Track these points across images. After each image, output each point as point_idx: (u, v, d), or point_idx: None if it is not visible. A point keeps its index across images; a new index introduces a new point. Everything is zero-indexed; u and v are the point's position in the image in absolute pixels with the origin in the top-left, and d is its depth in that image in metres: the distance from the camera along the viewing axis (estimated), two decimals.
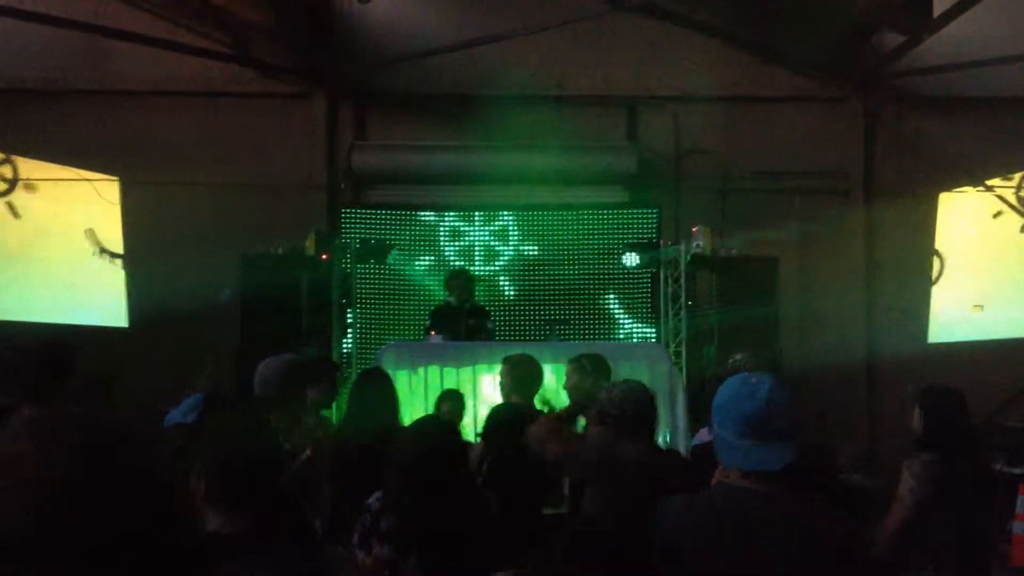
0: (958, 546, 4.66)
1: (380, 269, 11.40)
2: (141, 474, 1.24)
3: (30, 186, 10.97)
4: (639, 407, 4.48)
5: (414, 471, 3.69)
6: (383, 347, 9.43)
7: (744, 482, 2.72)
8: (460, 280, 9.83)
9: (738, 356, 6.71)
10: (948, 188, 11.76)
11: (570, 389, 6.28)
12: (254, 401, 4.93)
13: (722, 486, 2.81)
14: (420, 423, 4.49)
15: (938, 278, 11.79)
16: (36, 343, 5.12)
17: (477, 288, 10.57)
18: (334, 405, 6.80)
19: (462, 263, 11.37)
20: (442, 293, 10.18)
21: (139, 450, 1.27)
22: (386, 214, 11.76)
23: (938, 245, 11.81)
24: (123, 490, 1.19)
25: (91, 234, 11.02)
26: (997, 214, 11.67)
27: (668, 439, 8.44)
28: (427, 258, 11.66)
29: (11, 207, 10.96)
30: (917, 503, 4.58)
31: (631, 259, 10.81)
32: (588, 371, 6.20)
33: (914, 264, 11.73)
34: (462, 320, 9.12)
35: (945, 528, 4.63)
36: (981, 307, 11.62)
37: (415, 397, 8.01)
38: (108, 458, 1.22)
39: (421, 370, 8.35)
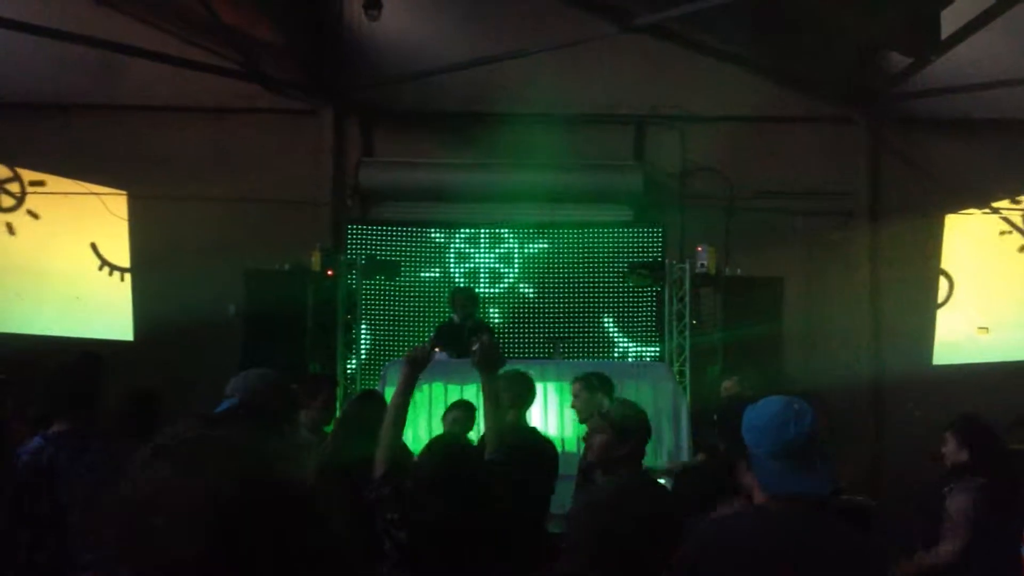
0: (1004, 571, 4.65)
1: (385, 286, 11.41)
2: (281, 488, 1.27)
3: (38, 200, 11.01)
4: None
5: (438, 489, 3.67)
6: (387, 364, 9.43)
7: (776, 505, 2.74)
8: (463, 298, 9.84)
9: (728, 383, 6.79)
10: (954, 210, 11.75)
11: (579, 407, 6.28)
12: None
13: (759, 509, 2.80)
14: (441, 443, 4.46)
15: (947, 299, 11.76)
16: (72, 359, 5.16)
17: (482, 305, 10.57)
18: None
19: (467, 281, 11.39)
20: (447, 310, 10.19)
21: (274, 466, 1.30)
22: (392, 231, 11.78)
23: (944, 266, 11.79)
24: (268, 506, 1.23)
25: (94, 248, 11.04)
26: (1003, 232, 11.66)
27: (669, 458, 8.43)
28: (433, 275, 11.68)
29: (19, 222, 11.00)
30: (975, 527, 4.60)
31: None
32: (596, 388, 6.21)
33: (919, 285, 11.71)
34: (465, 337, 9.12)
35: (992, 554, 4.64)
36: (986, 329, 11.60)
37: (419, 414, 8.00)
38: (251, 477, 1.26)
39: (426, 387, 8.34)
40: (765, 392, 3.15)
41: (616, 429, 4.54)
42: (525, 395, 5.94)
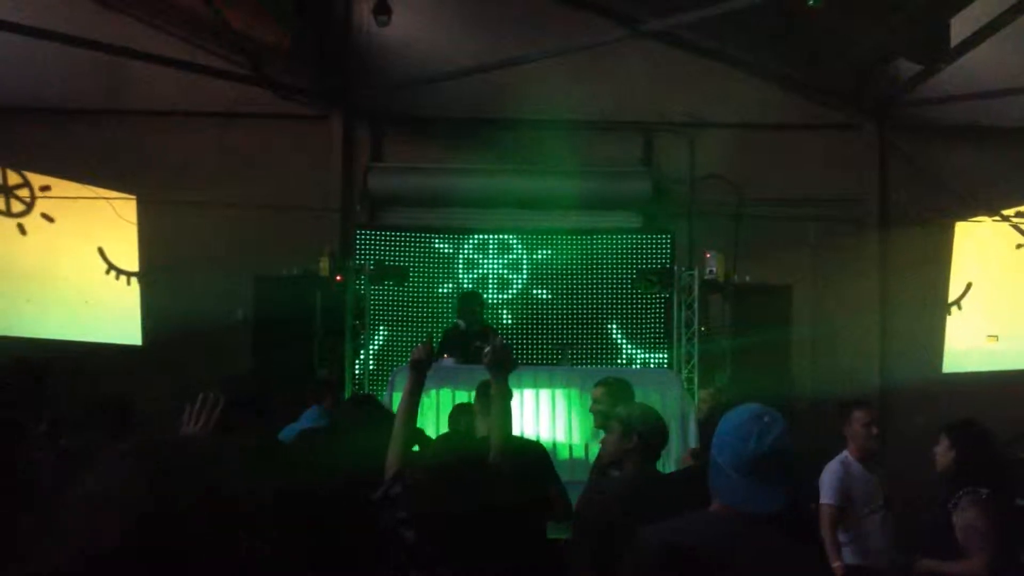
0: None
1: (394, 291, 11.42)
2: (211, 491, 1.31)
3: (47, 205, 11.04)
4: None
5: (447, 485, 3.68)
6: (395, 370, 9.44)
7: (726, 514, 2.72)
8: (470, 303, 9.85)
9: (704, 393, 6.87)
10: (964, 217, 11.73)
11: (598, 412, 6.27)
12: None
13: (708, 515, 2.79)
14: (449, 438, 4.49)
15: (960, 299, 11.69)
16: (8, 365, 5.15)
17: (490, 311, 10.58)
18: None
19: (475, 286, 11.39)
20: (454, 316, 10.20)
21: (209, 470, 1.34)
22: (401, 236, 11.79)
23: (955, 274, 11.76)
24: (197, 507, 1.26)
25: (101, 253, 11.07)
26: (1019, 246, 11.62)
27: (677, 466, 8.40)
28: (441, 280, 11.68)
29: (30, 226, 11.03)
30: (994, 537, 4.59)
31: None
32: (619, 395, 6.19)
33: (928, 293, 11.68)
34: (471, 343, 9.11)
35: (1003, 564, 4.63)
36: (996, 337, 11.57)
37: (427, 420, 7.99)
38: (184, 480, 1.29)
39: (433, 392, 8.34)
40: (775, 400, 3.12)
41: (623, 424, 4.56)
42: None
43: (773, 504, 2.67)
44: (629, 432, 4.54)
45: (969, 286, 11.71)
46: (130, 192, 11.28)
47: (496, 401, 4.49)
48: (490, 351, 4.47)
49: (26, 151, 10.90)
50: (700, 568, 2.61)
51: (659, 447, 4.64)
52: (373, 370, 11.11)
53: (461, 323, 9.68)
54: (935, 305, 11.69)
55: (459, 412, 7.05)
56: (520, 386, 8.83)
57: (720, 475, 2.72)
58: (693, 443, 8.65)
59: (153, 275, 11.22)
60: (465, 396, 8.27)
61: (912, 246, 11.65)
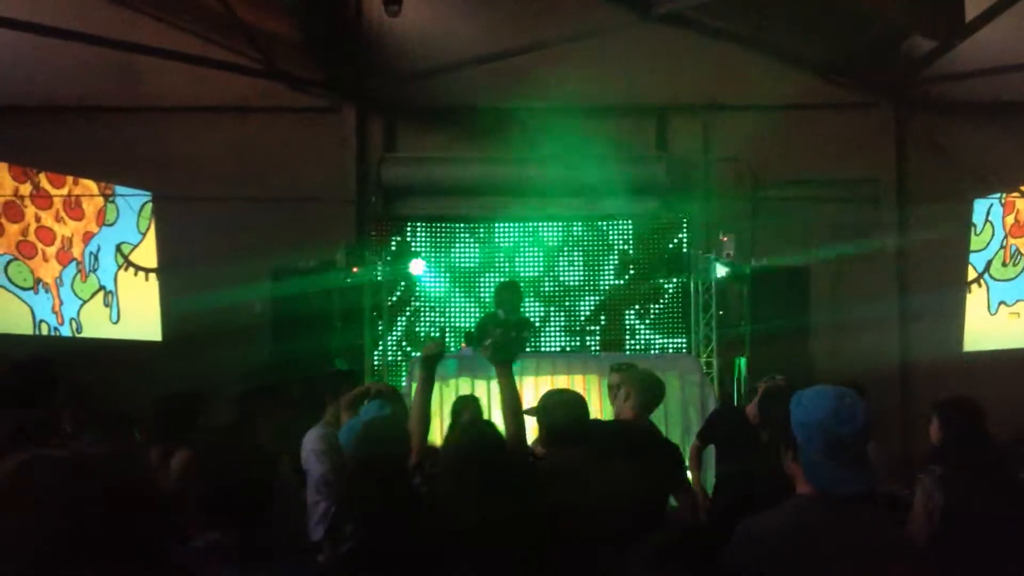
0: (980, 564, 4.54)
1: (410, 282, 11.44)
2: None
3: (65, 202, 11.07)
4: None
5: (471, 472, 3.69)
6: (414, 359, 9.46)
7: (822, 499, 2.76)
8: (509, 292, 9.85)
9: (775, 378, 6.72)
10: (982, 194, 11.64)
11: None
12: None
13: (805, 501, 2.80)
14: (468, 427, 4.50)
15: (980, 276, 11.60)
16: (19, 361, 5.13)
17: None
18: None
19: (489, 274, 11.40)
20: (470, 303, 10.20)
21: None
22: (416, 226, 11.81)
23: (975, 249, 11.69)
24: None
25: (119, 249, 11.10)
26: None
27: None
28: (457, 270, 11.69)
29: (45, 221, 11.06)
30: (931, 519, 4.49)
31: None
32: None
33: (947, 271, 11.61)
34: (509, 330, 9.07)
35: (965, 546, 4.51)
36: (1018, 314, 11.49)
37: (445, 408, 8.00)
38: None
39: (452, 382, 8.36)
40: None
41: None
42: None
43: (864, 484, 2.74)
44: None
45: (989, 263, 11.62)
46: (145, 188, 11.30)
47: (502, 392, 4.48)
48: (490, 344, 4.48)
49: (41, 149, 10.91)
50: (798, 555, 2.65)
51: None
52: (392, 359, 11.14)
53: (500, 312, 9.67)
54: (954, 283, 11.61)
55: (462, 403, 7.08)
56: (538, 373, 8.86)
57: (811, 462, 2.74)
58: None
59: (171, 271, 11.25)
60: (484, 385, 8.30)
61: (930, 224, 11.58)
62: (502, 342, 4.51)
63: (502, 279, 11.22)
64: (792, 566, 2.64)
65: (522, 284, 11.57)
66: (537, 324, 11.44)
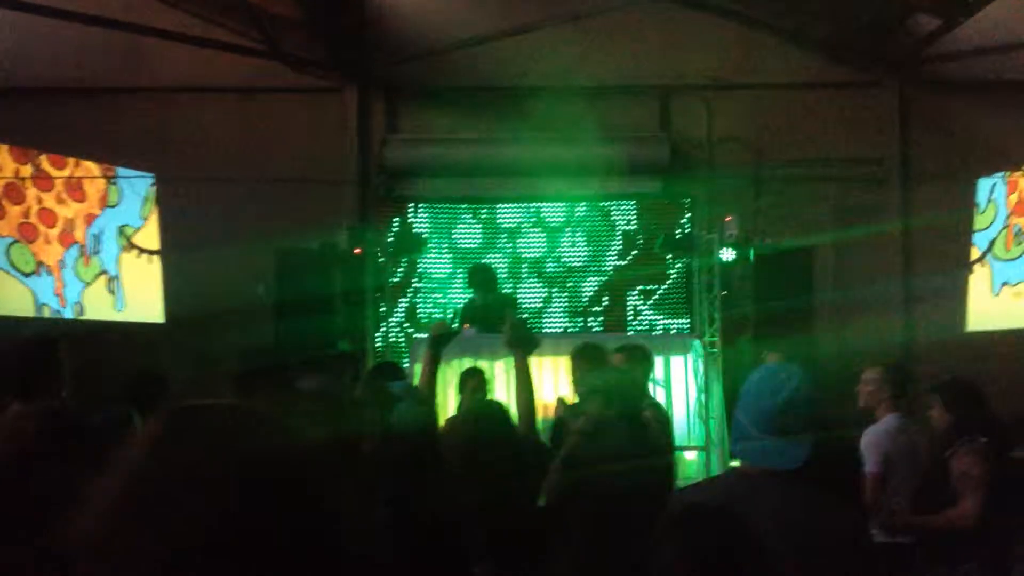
0: (1000, 536, 4.59)
1: (413, 263, 11.44)
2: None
3: (67, 184, 11.06)
4: None
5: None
6: (416, 340, 9.46)
7: (752, 472, 2.75)
8: (481, 275, 9.86)
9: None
10: (986, 173, 11.60)
11: None
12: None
13: (737, 473, 2.80)
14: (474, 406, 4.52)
15: (984, 256, 11.56)
16: (24, 339, 5.12)
17: (510, 280, 10.58)
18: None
19: (492, 255, 11.39)
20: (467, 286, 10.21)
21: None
22: (419, 207, 11.79)
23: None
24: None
25: (121, 231, 11.09)
26: None
27: (703, 431, 8.41)
28: (459, 250, 11.68)
29: (47, 203, 11.05)
30: (987, 486, 4.54)
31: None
32: (639, 361, 6.14)
33: (951, 251, 11.58)
34: (491, 312, 9.12)
35: (1003, 515, 4.58)
36: (1021, 294, 11.46)
37: (448, 388, 8.01)
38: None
39: (455, 362, 8.35)
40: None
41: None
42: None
43: (794, 460, 2.68)
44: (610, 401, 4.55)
45: (992, 243, 11.59)
46: (148, 170, 11.28)
47: (518, 376, 4.51)
48: (509, 328, 4.50)
49: (43, 131, 10.89)
50: (726, 527, 2.58)
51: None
52: (394, 341, 11.14)
53: (476, 295, 9.69)
54: (958, 263, 11.59)
55: (468, 376, 7.14)
56: (541, 354, 8.85)
57: (742, 434, 2.74)
58: (717, 407, 8.66)
59: (173, 252, 11.24)
60: (487, 366, 8.30)
61: (934, 203, 11.55)
62: (522, 331, 4.55)
63: (504, 259, 11.24)
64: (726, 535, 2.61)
65: (524, 265, 11.60)
66: (540, 305, 11.46)
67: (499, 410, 4.30)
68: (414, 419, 3.86)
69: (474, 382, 7.06)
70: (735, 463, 2.82)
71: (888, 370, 5.46)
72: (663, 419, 5.71)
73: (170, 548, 1.10)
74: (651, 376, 6.33)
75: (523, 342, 4.51)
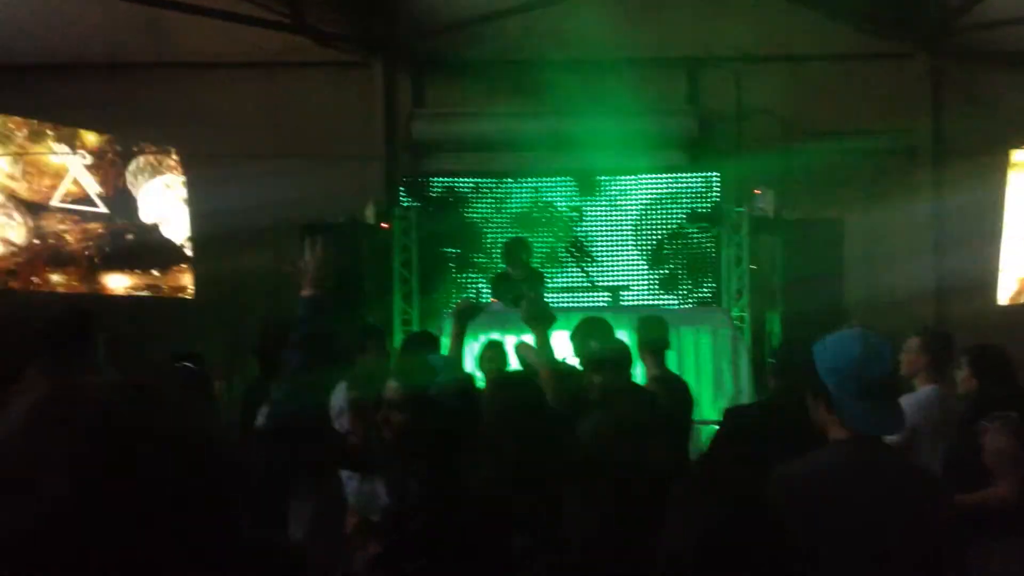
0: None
1: (440, 237, 11.40)
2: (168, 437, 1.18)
3: (96, 155, 11.10)
4: None
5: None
6: (444, 314, 9.45)
7: (859, 442, 2.76)
8: (517, 248, 9.81)
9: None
10: (1019, 145, 11.45)
11: None
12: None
13: (842, 444, 2.79)
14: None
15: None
16: (56, 312, 5.11)
17: (538, 255, 10.54)
18: None
19: (521, 230, 11.34)
20: (499, 258, 10.18)
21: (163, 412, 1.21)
22: (445, 181, 11.75)
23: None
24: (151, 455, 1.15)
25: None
26: None
27: (730, 403, 8.35)
28: (487, 225, 11.65)
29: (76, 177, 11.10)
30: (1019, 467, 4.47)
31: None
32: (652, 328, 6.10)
33: (983, 223, 11.45)
34: (521, 288, 9.08)
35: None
36: None
37: (474, 362, 8.01)
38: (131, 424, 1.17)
39: (482, 336, 8.34)
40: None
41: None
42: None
43: (898, 425, 2.81)
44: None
45: None
46: (173, 145, 11.30)
47: (540, 353, 4.52)
48: (526, 305, 4.51)
49: (70, 107, 10.93)
50: (842, 497, 2.66)
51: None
52: (421, 315, 11.13)
53: (510, 269, 9.65)
54: (990, 235, 11.46)
55: (487, 349, 7.16)
56: (568, 326, 8.82)
57: (846, 406, 2.73)
58: (746, 381, 8.61)
59: (201, 228, 11.27)
60: (515, 339, 8.27)
61: (966, 175, 11.42)
62: (538, 307, 4.55)
63: (531, 234, 11.19)
64: (836, 509, 2.64)
65: (551, 238, 11.55)
66: (560, 280, 11.41)
67: (529, 380, 4.29)
68: (454, 389, 3.85)
69: (491, 354, 7.06)
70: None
71: (927, 337, 5.35)
72: (678, 391, 5.66)
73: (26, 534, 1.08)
74: (668, 349, 6.26)
75: (539, 318, 4.52)
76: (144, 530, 1.10)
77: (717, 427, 5.40)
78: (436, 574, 2.78)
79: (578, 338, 5.54)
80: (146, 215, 11.28)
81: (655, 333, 5.89)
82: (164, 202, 11.38)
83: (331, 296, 3.61)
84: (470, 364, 7.70)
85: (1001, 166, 11.46)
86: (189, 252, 11.43)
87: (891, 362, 2.78)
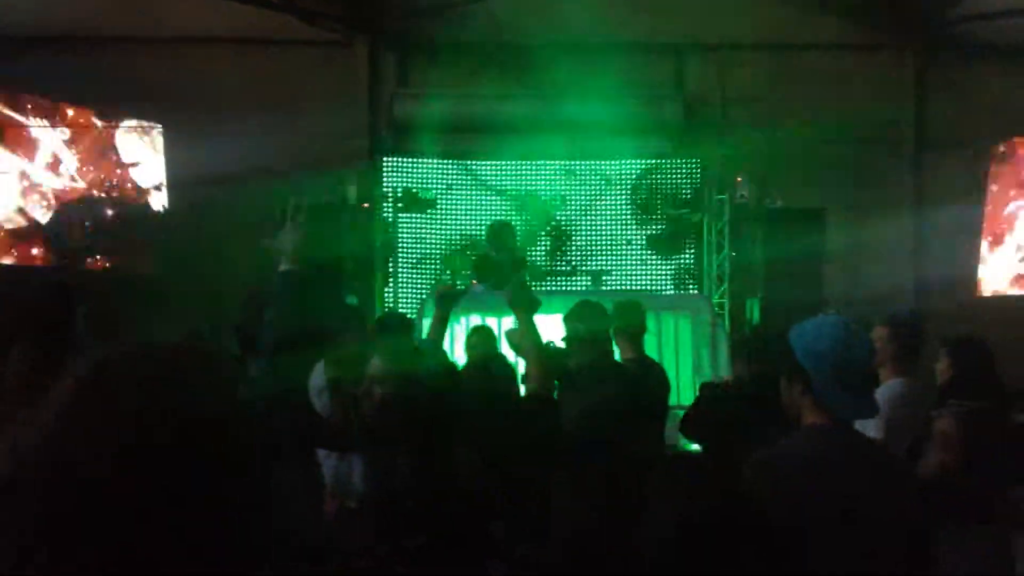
0: (986, 503, 4.52)
1: (421, 218, 11.37)
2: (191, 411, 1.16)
3: (73, 129, 11.01)
4: None
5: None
6: (427, 295, 9.44)
7: (835, 426, 2.77)
8: (500, 231, 9.78)
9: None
10: (1003, 139, 11.50)
11: None
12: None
13: (819, 429, 2.79)
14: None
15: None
16: (36, 289, 5.06)
17: (519, 238, 10.52)
18: None
19: (503, 212, 11.32)
20: (483, 241, 10.15)
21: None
22: (428, 163, 11.71)
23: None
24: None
25: (130, 179, 11.04)
26: None
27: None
28: (469, 206, 11.62)
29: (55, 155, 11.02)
30: (956, 453, 4.43)
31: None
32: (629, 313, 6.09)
33: (964, 216, 11.50)
34: (505, 270, 9.06)
35: (979, 483, 4.49)
36: None
37: (455, 344, 8.01)
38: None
39: (463, 318, 8.34)
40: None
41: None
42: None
43: (873, 410, 2.81)
44: None
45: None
46: (155, 121, 11.22)
47: (525, 339, 4.50)
48: (511, 290, 4.49)
49: (51, 80, 10.82)
50: (819, 482, 2.66)
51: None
52: (402, 295, 11.12)
53: (492, 252, 9.64)
54: (971, 228, 11.52)
55: (474, 333, 7.13)
56: (549, 311, 8.82)
57: (823, 388, 2.73)
58: (724, 367, 8.62)
59: (179, 203, 11.20)
60: (496, 322, 8.28)
61: (948, 168, 11.47)
62: (522, 291, 4.53)
63: (513, 216, 11.17)
64: (816, 494, 2.63)
65: (534, 222, 11.53)
66: (542, 264, 11.40)
67: (500, 364, 4.28)
68: (438, 371, 3.83)
69: (477, 339, 7.04)
70: None
71: (895, 326, 5.18)
72: (652, 375, 5.68)
73: (84, 497, 1.07)
74: (645, 333, 6.26)
75: (524, 303, 4.50)
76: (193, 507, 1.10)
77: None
78: (432, 552, 2.77)
79: (571, 321, 5.55)
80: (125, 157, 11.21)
81: (631, 317, 5.90)
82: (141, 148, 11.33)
83: (309, 272, 3.58)
84: (459, 349, 7.73)
85: (983, 159, 11.51)
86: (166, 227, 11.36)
87: (869, 346, 2.79)
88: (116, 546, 1.06)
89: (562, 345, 5.34)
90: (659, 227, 11.44)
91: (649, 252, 11.53)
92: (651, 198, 11.55)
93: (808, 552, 2.50)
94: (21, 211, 10.59)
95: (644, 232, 11.54)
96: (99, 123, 11.04)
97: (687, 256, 11.39)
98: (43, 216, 10.71)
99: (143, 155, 11.28)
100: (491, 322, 8.31)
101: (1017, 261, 11.48)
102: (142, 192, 11.35)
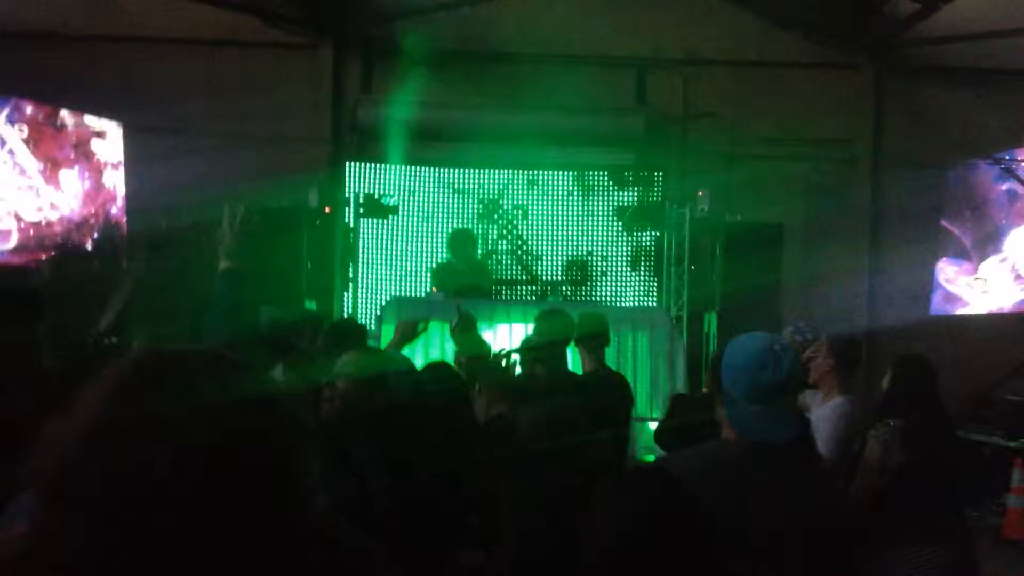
0: (928, 518, 4.52)
1: (383, 223, 11.33)
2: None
3: (34, 129, 10.88)
4: None
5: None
6: (387, 302, 9.42)
7: (743, 444, 2.71)
8: (462, 240, 9.81)
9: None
10: (958, 160, 11.67)
11: None
12: None
13: (727, 443, 2.77)
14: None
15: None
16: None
17: (480, 247, 10.54)
18: None
19: (464, 221, 11.31)
20: (442, 248, 10.17)
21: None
22: (390, 168, 11.67)
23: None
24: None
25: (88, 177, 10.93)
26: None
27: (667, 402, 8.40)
28: (430, 213, 11.59)
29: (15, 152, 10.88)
30: (885, 470, 4.44)
31: None
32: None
33: (920, 235, 11.65)
34: (464, 278, 9.07)
35: (914, 499, 4.50)
36: (984, 280, 11.56)
37: (415, 351, 7.99)
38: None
39: (422, 325, 8.32)
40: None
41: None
42: None
43: (787, 433, 2.69)
44: None
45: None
46: (115, 119, 11.11)
47: (478, 363, 4.59)
48: (457, 322, 4.61)
49: (12, 77, 10.70)
50: (712, 498, 2.59)
51: None
52: (362, 301, 11.07)
53: (453, 260, 9.64)
54: (926, 246, 11.67)
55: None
56: (509, 319, 8.84)
57: (733, 405, 2.70)
58: (681, 379, 8.67)
59: (139, 204, 11.09)
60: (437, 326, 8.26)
61: (904, 187, 11.62)
62: (467, 322, 4.64)
63: (472, 226, 11.17)
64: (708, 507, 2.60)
65: (494, 232, 11.54)
66: (506, 274, 11.42)
67: (449, 375, 4.32)
68: (404, 378, 3.85)
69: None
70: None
71: (832, 342, 5.12)
72: (614, 386, 5.71)
73: (126, 496, 1.07)
74: (607, 345, 6.27)
75: (465, 330, 4.62)
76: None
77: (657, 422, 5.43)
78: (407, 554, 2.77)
79: (537, 328, 5.58)
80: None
81: (594, 328, 5.91)
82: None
83: (247, 270, 3.57)
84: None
85: (939, 179, 11.67)
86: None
87: (788, 368, 2.67)
88: (167, 547, 1.07)
89: (517, 357, 5.33)
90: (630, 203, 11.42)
91: (608, 263, 11.56)
92: (612, 210, 11.59)
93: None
94: None
95: (611, 243, 11.56)
96: (64, 122, 10.91)
97: (648, 236, 11.37)
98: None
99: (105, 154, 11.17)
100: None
101: (974, 279, 11.63)
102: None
